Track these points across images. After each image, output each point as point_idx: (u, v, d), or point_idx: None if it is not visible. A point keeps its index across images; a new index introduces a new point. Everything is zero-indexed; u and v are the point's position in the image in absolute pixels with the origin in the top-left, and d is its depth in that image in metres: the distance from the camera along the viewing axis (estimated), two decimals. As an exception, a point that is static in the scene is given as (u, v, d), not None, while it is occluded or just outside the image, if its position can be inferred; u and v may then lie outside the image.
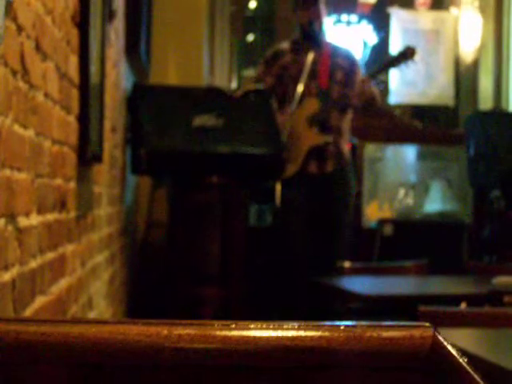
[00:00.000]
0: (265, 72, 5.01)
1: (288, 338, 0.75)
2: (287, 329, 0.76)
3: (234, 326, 0.76)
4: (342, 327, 0.76)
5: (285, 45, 5.09)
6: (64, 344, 0.73)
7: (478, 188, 5.73)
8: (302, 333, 0.75)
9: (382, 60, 5.43)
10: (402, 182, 5.99)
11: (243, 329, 0.76)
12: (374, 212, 5.88)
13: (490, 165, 5.37)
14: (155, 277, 4.81)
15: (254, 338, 0.75)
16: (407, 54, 4.89)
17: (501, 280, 2.80)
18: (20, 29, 1.56)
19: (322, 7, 5.00)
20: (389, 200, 5.94)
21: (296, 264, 4.83)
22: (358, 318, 3.45)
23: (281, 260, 4.92)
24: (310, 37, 4.98)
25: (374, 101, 4.95)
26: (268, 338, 0.75)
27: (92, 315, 2.78)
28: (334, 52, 5.03)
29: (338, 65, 4.97)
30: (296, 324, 0.76)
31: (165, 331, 0.74)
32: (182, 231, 4.40)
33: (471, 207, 5.94)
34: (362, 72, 5.08)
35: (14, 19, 1.52)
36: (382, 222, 5.74)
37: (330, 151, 4.86)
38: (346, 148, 4.96)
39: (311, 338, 0.75)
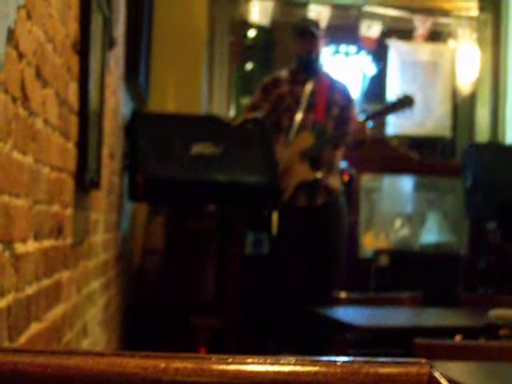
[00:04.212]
0: (262, 98, 5.01)
1: (285, 373, 0.75)
2: (284, 364, 0.76)
3: (230, 360, 0.76)
4: (338, 363, 0.76)
5: (283, 73, 5.10)
6: (61, 376, 0.73)
7: (474, 220, 5.73)
8: (298, 368, 0.75)
9: (380, 103, 5.47)
10: (398, 212, 6.00)
11: (240, 363, 0.76)
12: (370, 242, 5.88)
13: (487, 197, 5.38)
14: (150, 304, 4.80)
15: (251, 372, 0.75)
16: (405, 103, 4.90)
17: (497, 313, 2.80)
18: (21, 56, 1.57)
19: (320, 39, 5.02)
20: (385, 230, 5.94)
21: (291, 294, 4.82)
22: (353, 348, 3.44)
23: (276, 289, 4.91)
24: (307, 67, 5.00)
25: (364, 142, 4.97)
26: (265, 373, 0.75)
27: (86, 342, 2.77)
28: (332, 86, 5.04)
29: (334, 101, 4.99)
30: (293, 359, 0.76)
31: (162, 364, 0.74)
32: (178, 259, 4.39)
33: (467, 239, 5.94)
34: (356, 109, 5.11)
35: (16, 47, 1.53)
36: (377, 253, 5.74)
37: (319, 186, 4.87)
38: (335, 182, 4.95)
39: (308, 373, 0.75)
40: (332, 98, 4.99)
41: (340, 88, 5.09)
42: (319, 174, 4.86)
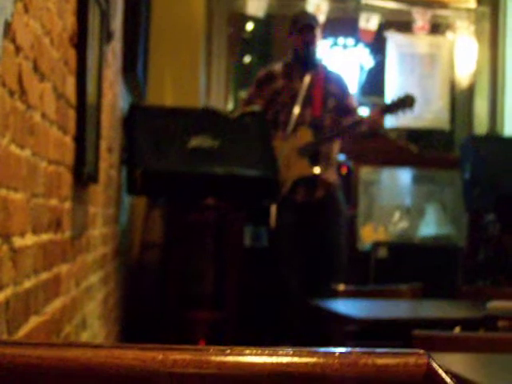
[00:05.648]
0: (256, 94, 5.00)
1: (283, 364, 0.75)
2: (282, 355, 0.76)
3: (229, 351, 0.76)
4: (336, 354, 0.76)
5: (277, 67, 5.09)
6: (59, 368, 0.73)
7: (473, 212, 5.73)
8: (296, 359, 0.75)
9: (378, 96, 5.45)
10: (397, 205, 6.00)
11: (238, 354, 0.76)
12: (368, 235, 5.88)
13: (485, 189, 5.38)
14: (149, 297, 4.80)
15: (249, 363, 0.75)
16: (406, 103, 4.87)
17: (495, 304, 2.80)
18: (18, 49, 1.57)
19: (318, 33, 5.01)
20: (384, 223, 5.94)
21: (290, 287, 4.82)
22: (352, 341, 3.44)
23: (275, 283, 4.91)
24: (303, 61, 4.99)
25: (377, 134, 4.98)
26: (263, 364, 0.75)
27: (85, 336, 2.77)
28: (327, 77, 5.04)
29: (330, 92, 4.98)
30: (291, 350, 0.77)
31: (160, 356, 0.74)
32: (176, 252, 4.39)
33: (466, 231, 5.95)
34: (354, 98, 5.10)
35: (13, 40, 1.52)
36: (376, 245, 5.74)
37: (318, 180, 4.87)
38: (333, 175, 4.96)
39: (306, 364, 0.75)
40: (327, 89, 4.99)
41: (334, 78, 5.08)
42: (317, 170, 4.87)
